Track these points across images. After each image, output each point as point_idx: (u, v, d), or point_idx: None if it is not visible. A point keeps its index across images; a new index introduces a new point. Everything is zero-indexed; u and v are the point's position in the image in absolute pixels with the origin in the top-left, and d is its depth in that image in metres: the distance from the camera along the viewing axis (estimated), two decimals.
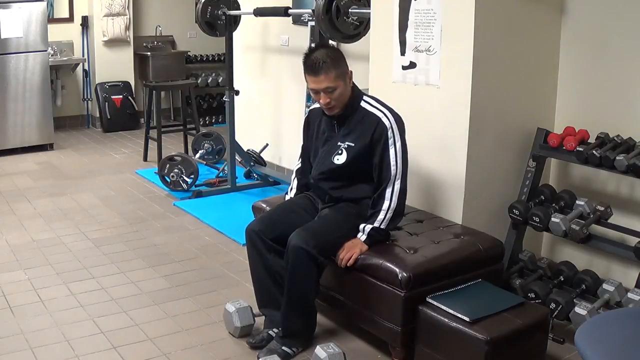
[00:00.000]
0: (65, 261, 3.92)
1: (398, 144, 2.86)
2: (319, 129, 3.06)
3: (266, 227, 2.91)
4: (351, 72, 2.89)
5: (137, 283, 3.63)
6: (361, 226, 2.86)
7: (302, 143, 3.23)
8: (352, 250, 2.82)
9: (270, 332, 2.96)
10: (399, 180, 2.86)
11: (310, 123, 3.14)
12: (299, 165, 3.23)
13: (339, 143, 2.95)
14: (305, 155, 3.19)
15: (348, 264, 2.81)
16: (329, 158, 2.96)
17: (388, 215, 2.85)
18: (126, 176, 5.87)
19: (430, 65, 3.25)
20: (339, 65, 2.83)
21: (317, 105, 3.04)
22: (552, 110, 3.42)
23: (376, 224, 2.84)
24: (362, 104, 2.93)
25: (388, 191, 2.85)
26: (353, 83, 2.95)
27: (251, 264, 2.99)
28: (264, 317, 3.05)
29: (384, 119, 2.87)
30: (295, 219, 2.94)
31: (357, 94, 2.95)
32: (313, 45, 2.93)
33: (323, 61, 2.80)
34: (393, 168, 2.84)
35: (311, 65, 2.83)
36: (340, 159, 2.93)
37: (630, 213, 3.12)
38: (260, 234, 2.90)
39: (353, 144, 2.91)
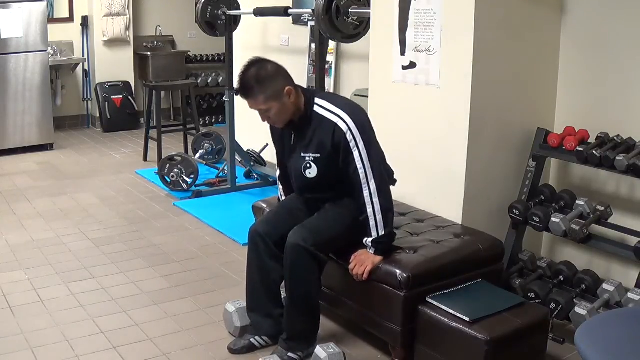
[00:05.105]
0: (65, 261, 3.92)
1: (361, 145, 2.70)
2: (282, 138, 2.96)
3: (272, 229, 2.86)
4: (289, 88, 2.71)
5: (137, 283, 3.63)
6: (364, 241, 2.78)
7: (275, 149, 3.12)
8: (364, 264, 2.74)
9: (252, 339, 2.92)
10: (372, 180, 2.73)
11: (274, 130, 3.01)
12: (279, 171, 3.15)
13: (302, 154, 2.83)
14: (280, 161, 3.09)
15: (363, 279, 2.74)
16: (301, 173, 2.85)
17: (378, 218, 2.74)
18: (126, 176, 5.87)
19: (430, 65, 3.25)
20: (268, 86, 2.68)
21: None
22: (552, 110, 3.42)
23: (374, 234, 2.75)
24: (315, 109, 2.78)
25: (365, 195, 2.73)
26: (301, 89, 2.82)
27: (248, 266, 2.94)
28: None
29: (340, 123, 2.72)
30: (300, 217, 2.88)
31: (308, 101, 2.79)
32: (247, 62, 2.75)
33: (249, 86, 2.69)
34: (361, 171, 2.72)
35: (239, 89, 2.73)
36: (311, 172, 2.82)
37: (630, 213, 3.12)
38: (264, 237, 2.84)
39: (319, 155, 2.78)
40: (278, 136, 3.00)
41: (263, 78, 2.70)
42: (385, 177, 2.81)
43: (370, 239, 2.77)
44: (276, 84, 2.72)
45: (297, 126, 2.83)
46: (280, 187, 3.18)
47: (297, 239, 2.71)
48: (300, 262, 2.72)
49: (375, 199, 2.74)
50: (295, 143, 2.87)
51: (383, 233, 2.76)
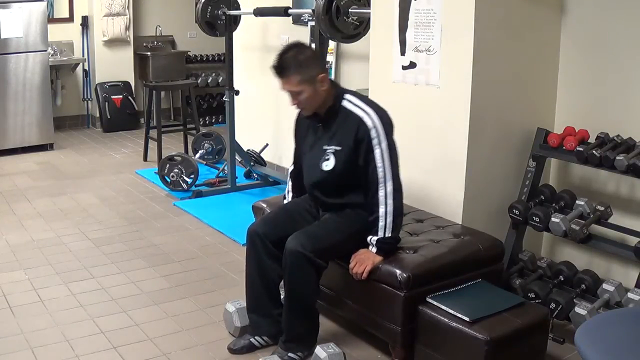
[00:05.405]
0: (65, 261, 3.92)
1: (384, 144, 2.73)
2: (307, 131, 2.98)
3: (270, 230, 2.86)
4: (323, 75, 2.75)
5: (137, 283, 3.63)
6: (368, 239, 2.78)
7: (294, 145, 3.14)
8: (364, 264, 2.74)
9: (252, 339, 2.92)
10: (390, 181, 2.74)
11: (300, 124, 3.05)
12: (293, 167, 3.16)
13: (324, 147, 2.84)
14: (297, 157, 3.10)
15: (362, 278, 2.74)
16: (317, 165, 2.86)
17: (388, 220, 2.74)
18: (126, 176, 5.87)
19: (430, 65, 3.25)
20: (304, 69, 2.72)
21: None
22: (552, 110, 3.42)
23: (380, 234, 2.75)
24: (344, 103, 2.81)
25: (380, 195, 2.74)
26: (332, 82, 2.85)
27: (247, 266, 2.94)
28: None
29: (366, 118, 2.74)
30: (299, 221, 2.89)
31: (338, 94, 2.83)
32: (286, 44, 2.83)
33: (286, 65, 2.72)
34: (380, 170, 2.73)
35: (274, 67, 2.77)
36: (328, 164, 2.82)
37: (630, 213, 3.13)
38: (262, 237, 2.84)
39: (340, 148, 2.79)
40: (304, 128, 3.01)
41: (301, 61, 2.74)
42: (400, 181, 2.81)
43: (375, 237, 2.76)
44: (312, 69, 2.75)
45: (323, 118, 2.86)
46: (290, 184, 3.18)
47: (295, 245, 2.70)
48: (298, 267, 2.71)
49: (390, 201, 2.75)
50: (320, 135, 2.89)
51: (389, 235, 2.76)
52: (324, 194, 2.91)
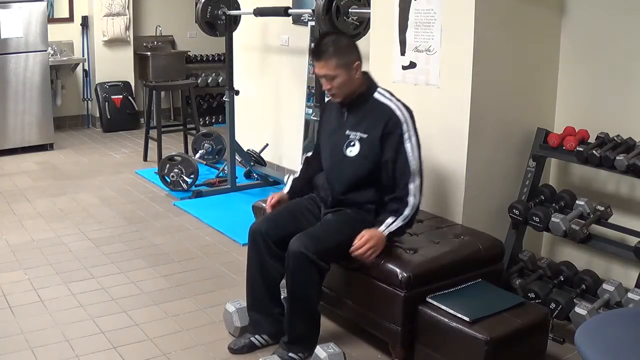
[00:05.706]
0: (65, 261, 3.92)
1: (413, 139, 2.79)
2: (331, 115, 3.02)
3: (272, 229, 2.86)
4: (358, 63, 2.82)
5: (137, 283, 3.63)
6: (389, 219, 2.78)
7: (317, 130, 3.20)
8: (375, 246, 2.73)
9: (252, 339, 2.92)
10: (418, 175, 2.80)
11: (326, 109, 3.11)
12: (310, 154, 3.21)
13: (347, 132, 2.88)
14: (318, 143, 3.15)
15: (367, 259, 2.73)
16: (340, 151, 2.88)
17: (412, 213, 2.79)
18: (126, 176, 5.87)
19: (430, 65, 3.25)
20: (342, 54, 2.79)
21: None
22: (552, 110, 3.42)
23: (400, 222, 2.77)
24: (376, 95, 2.87)
25: (411, 187, 2.78)
26: (367, 73, 2.90)
27: (248, 265, 2.94)
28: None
29: (398, 112, 2.80)
30: (301, 221, 2.90)
31: (371, 85, 2.90)
32: (324, 32, 2.90)
33: (325, 49, 2.79)
34: (412, 162, 2.78)
35: (314, 51, 2.85)
36: (352, 151, 2.85)
37: (630, 213, 3.13)
38: (264, 236, 2.85)
39: (366, 135, 2.84)
40: (329, 112, 3.05)
41: (340, 46, 2.81)
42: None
43: (397, 224, 2.77)
44: (350, 55, 2.82)
45: (352, 104, 2.90)
46: (302, 167, 3.20)
47: (299, 246, 2.70)
48: (301, 269, 2.71)
49: (418, 194, 2.81)
50: (345, 120, 2.92)
51: (404, 225, 2.81)
52: (337, 186, 2.91)
